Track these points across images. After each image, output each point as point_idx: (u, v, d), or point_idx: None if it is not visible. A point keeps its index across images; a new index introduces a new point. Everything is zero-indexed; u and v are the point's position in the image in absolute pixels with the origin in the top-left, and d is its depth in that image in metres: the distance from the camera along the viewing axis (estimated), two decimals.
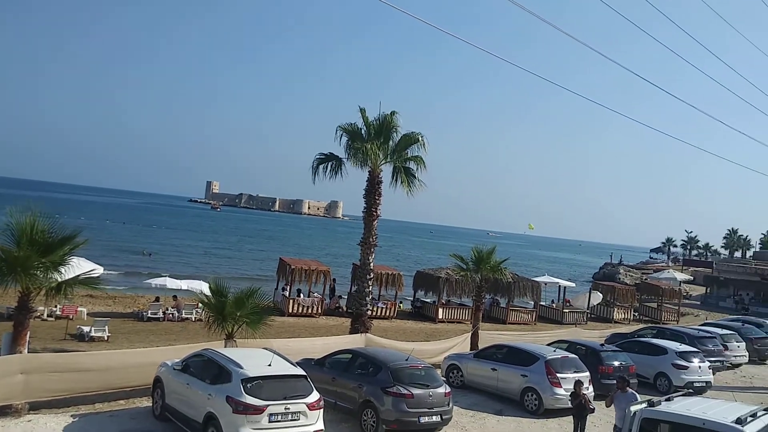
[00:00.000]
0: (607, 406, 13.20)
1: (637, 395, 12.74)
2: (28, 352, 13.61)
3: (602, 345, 20.95)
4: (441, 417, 13.82)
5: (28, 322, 13.28)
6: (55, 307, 24.92)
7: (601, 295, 43.84)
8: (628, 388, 12.95)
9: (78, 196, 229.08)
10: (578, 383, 14.51)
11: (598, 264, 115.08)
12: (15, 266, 12.54)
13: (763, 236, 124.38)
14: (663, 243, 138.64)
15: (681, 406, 9.74)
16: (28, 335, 13.36)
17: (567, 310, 41.45)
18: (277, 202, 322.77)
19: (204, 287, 21.76)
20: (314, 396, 11.67)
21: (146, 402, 14.14)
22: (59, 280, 13.38)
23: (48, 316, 25.33)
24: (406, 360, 14.46)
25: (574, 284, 52.86)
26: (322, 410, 11.73)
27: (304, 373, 12.17)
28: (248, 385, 11.16)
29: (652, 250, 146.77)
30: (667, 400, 10.08)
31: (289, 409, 11.21)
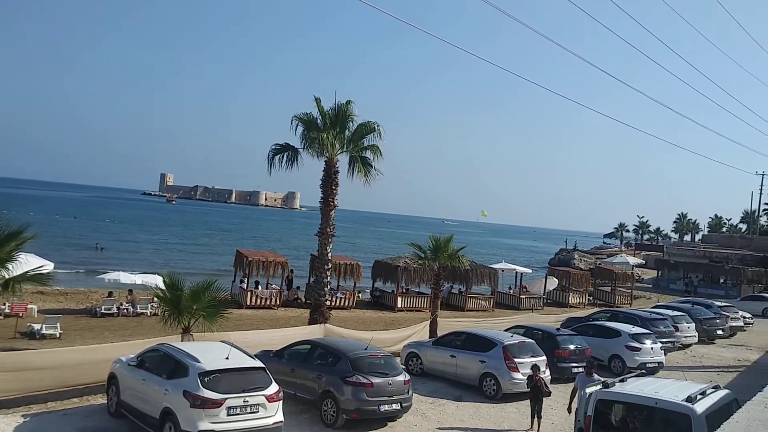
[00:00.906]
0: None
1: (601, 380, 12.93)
2: None
3: (558, 329, 21.28)
4: (401, 405, 13.87)
5: None
6: (4, 305, 24.24)
7: (556, 280, 44.48)
8: (594, 374, 13.14)
9: (25, 190, 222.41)
10: (535, 367, 14.77)
11: (553, 250, 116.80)
12: None
13: (710, 220, 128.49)
14: (616, 228, 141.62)
15: (634, 387, 9.98)
16: None
17: (524, 296, 42.03)
18: (234, 194, 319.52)
19: (159, 281, 21.40)
20: (273, 388, 11.58)
21: (101, 399, 13.84)
22: (6, 276, 13.02)
23: None
24: (365, 349, 14.46)
25: (530, 270, 53.62)
26: (281, 402, 11.66)
27: (263, 366, 12.06)
28: (206, 379, 11.01)
29: (605, 236, 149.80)
30: (621, 381, 10.31)
31: (247, 401, 11.10)
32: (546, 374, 16.12)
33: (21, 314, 23.96)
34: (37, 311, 25.91)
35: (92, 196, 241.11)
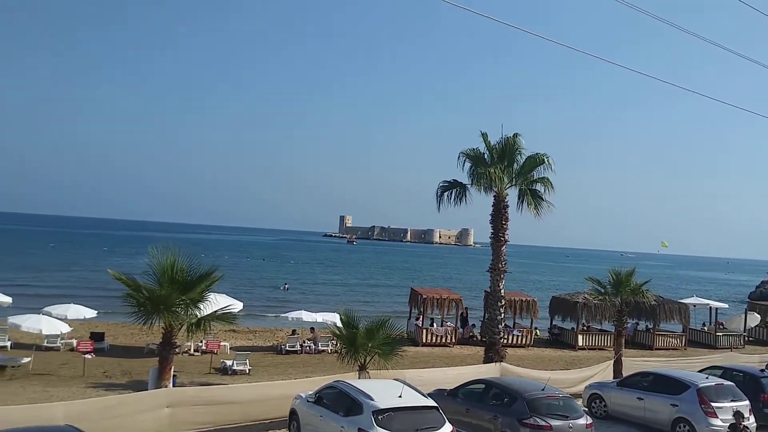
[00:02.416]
0: None
1: None
2: (174, 386, 14.30)
3: (763, 370, 19.13)
4: None
5: (172, 357, 14.01)
6: (201, 342, 26.21)
7: (759, 316, 40.41)
8: None
9: (216, 236, 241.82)
10: (738, 414, 13.30)
11: (752, 282, 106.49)
12: (158, 304, 13.29)
13: None
14: None
15: None
16: (172, 370, 14.07)
17: (720, 334, 38.47)
18: (409, 233, 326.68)
19: (337, 319, 22.10)
20: (447, 428, 11.40)
21: None
22: (199, 315, 14.03)
23: (195, 351, 26.72)
24: (543, 390, 13.86)
25: (726, 305, 48.97)
26: None
27: (435, 405, 11.93)
28: (379, 417, 11.06)
29: None
30: None
31: None
32: (750, 421, 14.44)
33: (216, 351, 25.75)
34: (230, 348, 27.76)
35: (278, 240, 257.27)
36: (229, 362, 23.75)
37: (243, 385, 17.26)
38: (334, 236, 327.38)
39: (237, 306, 21.20)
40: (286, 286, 68.60)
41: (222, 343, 27.36)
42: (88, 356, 22.99)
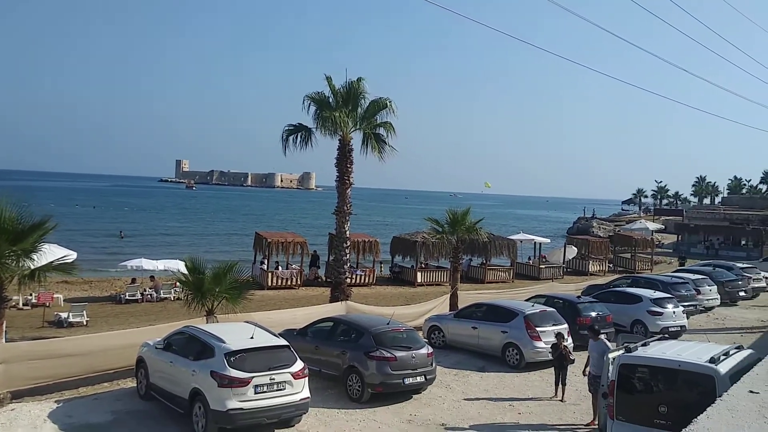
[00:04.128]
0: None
1: (608, 343, 13.12)
2: (6, 342, 13.49)
3: (579, 297, 21.29)
4: (425, 377, 14.04)
5: (4, 311, 13.17)
6: (31, 295, 24.66)
7: (576, 249, 44.38)
8: (599, 337, 13.31)
9: (39, 182, 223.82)
10: (559, 335, 14.93)
11: (570, 219, 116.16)
12: None
13: (730, 182, 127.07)
14: (634, 194, 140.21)
15: (657, 350, 10.00)
16: (4, 325, 13.24)
17: (543, 266, 41.95)
18: (250, 177, 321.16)
19: (181, 266, 21.65)
20: (298, 365, 11.75)
21: (130, 383, 14.12)
22: (32, 267, 13.24)
23: (24, 305, 25.09)
24: (388, 324, 14.62)
25: (548, 240, 53.44)
26: (307, 379, 11.82)
27: (287, 344, 12.24)
28: (232, 359, 11.19)
29: (623, 203, 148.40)
30: (643, 345, 10.33)
31: (274, 379, 11.28)
32: (569, 342, 16.18)
33: (48, 304, 24.36)
34: (63, 300, 26.33)
35: (109, 186, 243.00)
36: (64, 314, 22.59)
37: (83, 336, 16.54)
38: (170, 181, 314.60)
39: (71, 256, 20.08)
40: (122, 234, 65.51)
41: (55, 296, 25.90)
42: None
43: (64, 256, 16.61)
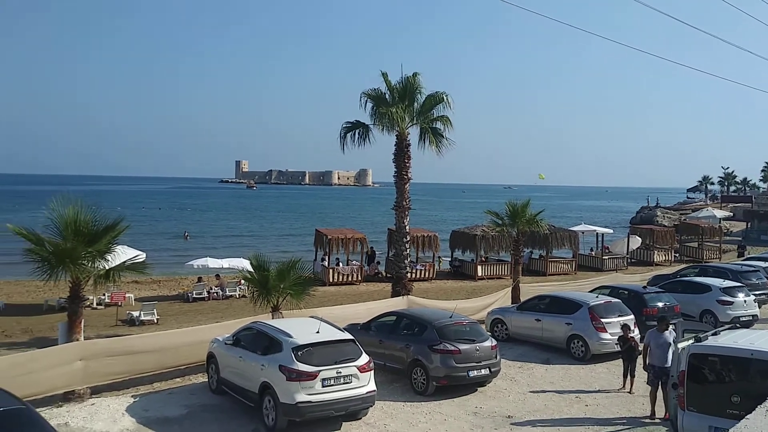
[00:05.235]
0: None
1: (673, 333, 12.66)
2: (84, 340, 14.08)
3: (645, 287, 20.85)
4: (489, 370, 14.00)
5: (81, 310, 13.72)
6: (104, 295, 25.62)
7: (640, 239, 43.49)
8: (667, 330, 12.71)
9: (109, 186, 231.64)
10: (625, 327, 14.66)
11: (632, 209, 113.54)
12: (63, 258, 12.91)
13: None
14: (699, 182, 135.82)
15: (728, 339, 9.75)
16: (82, 323, 13.81)
17: (606, 257, 41.26)
18: (307, 175, 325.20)
19: (245, 264, 22.14)
20: (364, 359, 11.89)
21: (202, 378, 14.56)
22: (106, 267, 13.77)
23: (98, 304, 26.13)
24: (450, 317, 14.62)
25: (611, 231, 52.40)
26: (372, 372, 11.96)
27: (352, 338, 12.39)
28: (299, 353, 11.40)
29: (688, 190, 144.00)
30: (714, 334, 10.08)
31: (340, 372, 11.45)
32: (636, 333, 15.87)
33: (120, 303, 25.27)
34: (134, 299, 27.28)
35: (172, 188, 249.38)
36: (135, 313, 23.43)
37: (155, 333, 17.15)
38: (231, 182, 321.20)
39: (141, 256, 20.81)
40: (187, 235, 67.26)
41: (127, 295, 26.84)
42: None
43: (135, 256, 17.26)
